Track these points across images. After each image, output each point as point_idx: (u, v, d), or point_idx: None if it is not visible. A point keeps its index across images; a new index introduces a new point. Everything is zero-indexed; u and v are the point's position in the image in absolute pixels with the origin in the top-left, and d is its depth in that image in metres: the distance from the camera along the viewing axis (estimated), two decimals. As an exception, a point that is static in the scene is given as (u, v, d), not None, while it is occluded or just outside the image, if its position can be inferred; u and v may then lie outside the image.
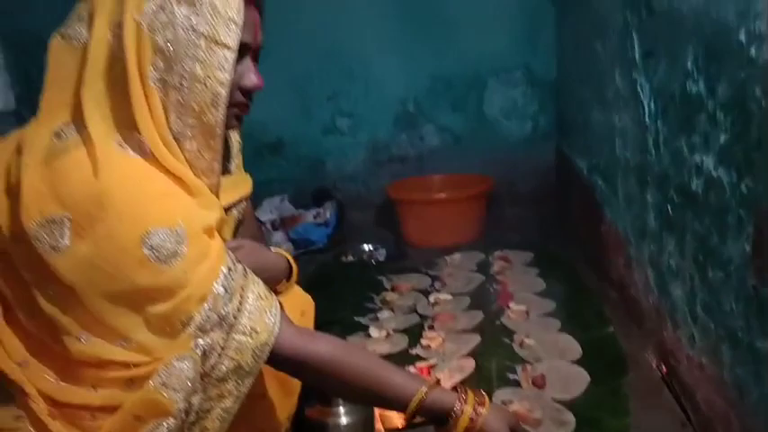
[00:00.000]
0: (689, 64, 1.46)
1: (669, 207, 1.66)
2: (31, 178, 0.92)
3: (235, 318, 1.01)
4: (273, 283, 1.36)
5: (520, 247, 3.01)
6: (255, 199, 3.40)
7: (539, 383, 1.77)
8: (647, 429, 1.56)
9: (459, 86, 3.38)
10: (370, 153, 3.53)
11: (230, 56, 0.97)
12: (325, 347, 1.11)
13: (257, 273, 1.10)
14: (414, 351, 2.08)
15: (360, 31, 3.30)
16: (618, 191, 2.20)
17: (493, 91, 3.39)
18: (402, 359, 2.01)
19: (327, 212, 3.32)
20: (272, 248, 1.48)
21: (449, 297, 2.49)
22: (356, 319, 2.37)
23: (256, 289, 1.06)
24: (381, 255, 3.10)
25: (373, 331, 2.19)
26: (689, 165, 1.50)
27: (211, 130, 1.00)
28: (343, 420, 1.48)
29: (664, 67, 1.66)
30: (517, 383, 1.80)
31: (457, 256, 2.98)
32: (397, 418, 1.54)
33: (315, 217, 3.32)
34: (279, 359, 1.08)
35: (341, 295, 2.62)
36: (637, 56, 1.89)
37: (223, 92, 0.98)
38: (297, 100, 3.44)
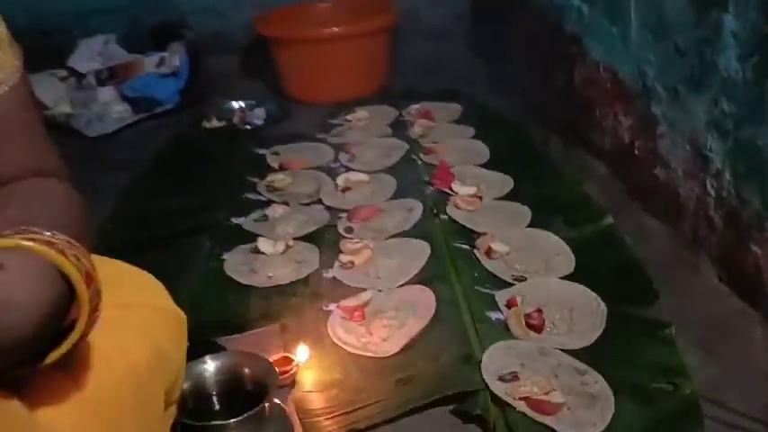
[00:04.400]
0: None
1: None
2: None
3: None
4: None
5: (440, 98, 2.29)
6: (68, 40, 2.40)
7: (537, 325, 1.15)
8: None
9: None
10: (230, -29, 2.54)
11: None
12: None
13: None
14: (329, 274, 1.37)
15: None
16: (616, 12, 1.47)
17: None
18: (315, 293, 1.31)
19: (176, 58, 2.39)
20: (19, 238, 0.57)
21: (364, 178, 1.76)
22: (234, 221, 1.60)
23: None
24: (259, 116, 2.26)
25: (264, 244, 1.44)
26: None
27: None
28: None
29: None
30: (504, 327, 1.16)
31: (362, 115, 2.21)
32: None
33: (158, 65, 2.41)
34: None
35: (206, 183, 1.81)
36: None
37: None
38: None
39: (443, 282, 1.30)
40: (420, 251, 1.40)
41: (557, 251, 1.39)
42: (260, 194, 1.73)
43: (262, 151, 1.99)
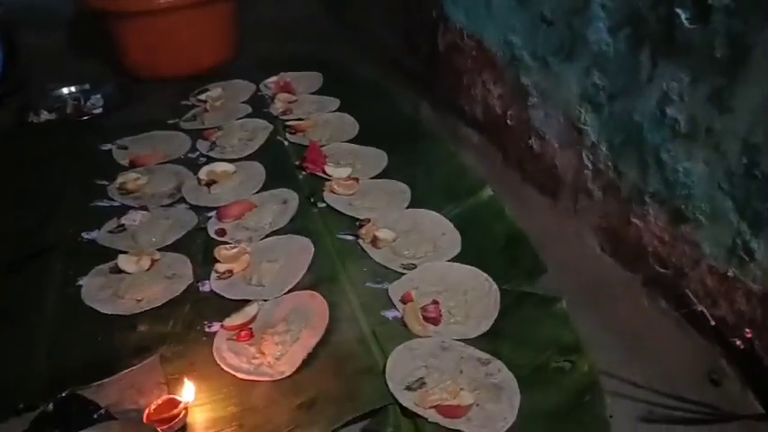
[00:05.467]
0: None
1: None
2: None
3: None
4: None
5: (297, 67, 2.16)
6: None
7: (434, 318, 1.11)
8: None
9: None
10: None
11: None
12: None
13: None
14: (206, 287, 1.25)
15: None
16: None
17: None
18: (194, 312, 1.18)
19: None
20: None
21: (229, 168, 1.62)
22: (85, 236, 1.41)
23: None
24: (96, 103, 2.02)
25: (125, 262, 1.28)
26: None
27: None
28: None
29: None
30: (402, 325, 1.12)
31: (216, 93, 2.04)
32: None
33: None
34: None
35: (43, 191, 1.58)
36: None
37: None
38: None
39: (333, 282, 1.22)
40: (303, 249, 1.31)
41: (441, 230, 1.36)
42: (112, 200, 1.54)
43: (106, 146, 1.77)
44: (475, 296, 1.18)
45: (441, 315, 1.12)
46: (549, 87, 1.22)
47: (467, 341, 1.08)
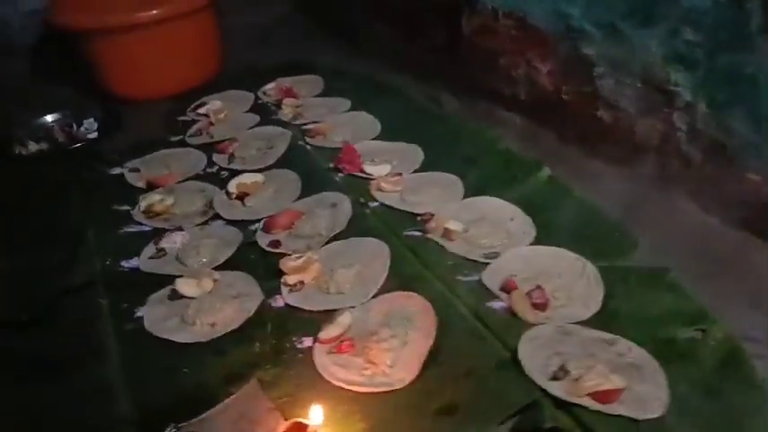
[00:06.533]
0: None
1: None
2: None
3: None
4: None
5: (288, 71, 2.07)
6: None
7: (542, 303, 1.06)
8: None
9: None
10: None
11: None
12: None
13: None
14: (279, 303, 1.15)
15: None
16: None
17: None
18: (278, 329, 1.09)
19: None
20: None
21: (259, 178, 1.52)
22: (125, 265, 1.28)
23: None
24: (90, 128, 1.87)
25: (185, 285, 1.17)
26: None
27: None
28: None
29: None
30: (510, 314, 1.05)
31: (216, 105, 1.92)
32: None
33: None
34: None
35: (59, 224, 1.44)
36: None
37: None
38: None
39: (421, 280, 1.15)
40: (375, 251, 1.23)
41: (509, 216, 1.31)
42: (141, 224, 1.42)
43: (115, 171, 1.64)
44: (570, 277, 1.13)
45: (548, 300, 1.06)
46: (619, 55, 1.19)
47: (581, 323, 1.03)
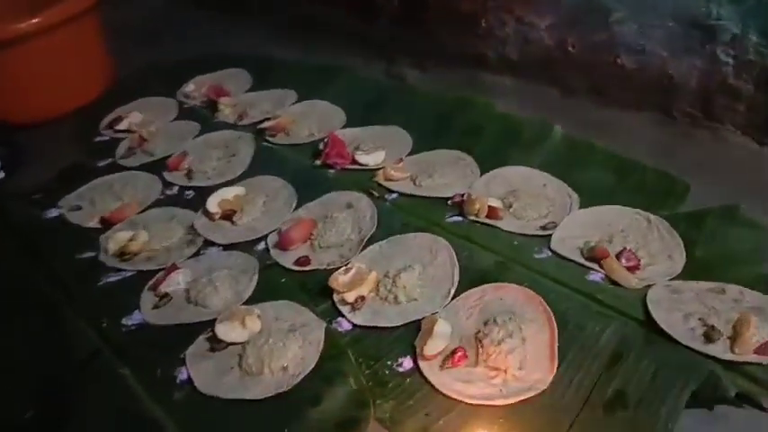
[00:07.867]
0: None
1: None
2: None
3: None
4: None
5: (201, 68, 1.84)
6: None
7: (635, 265, 1.00)
8: None
9: None
10: None
11: None
12: None
13: None
14: (345, 326, 0.99)
15: None
16: None
17: None
18: (365, 360, 0.93)
19: None
20: None
21: (239, 191, 1.32)
22: (129, 324, 1.05)
23: None
24: (-9, 169, 1.52)
25: (226, 330, 0.97)
26: None
27: None
28: None
29: None
30: (611, 284, 0.98)
31: (137, 118, 1.67)
32: None
33: None
34: None
35: (18, 291, 1.15)
36: None
37: None
38: None
39: (498, 268, 1.04)
40: (429, 245, 1.10)
41: (540, 182, 1.23)
42: (120, 270, 1.17)
43: (52, 213, 1.34)
44: (638, 233, 1.08)
45: (640, 261, 1.00)
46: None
47: (677, 278, 0.98)
